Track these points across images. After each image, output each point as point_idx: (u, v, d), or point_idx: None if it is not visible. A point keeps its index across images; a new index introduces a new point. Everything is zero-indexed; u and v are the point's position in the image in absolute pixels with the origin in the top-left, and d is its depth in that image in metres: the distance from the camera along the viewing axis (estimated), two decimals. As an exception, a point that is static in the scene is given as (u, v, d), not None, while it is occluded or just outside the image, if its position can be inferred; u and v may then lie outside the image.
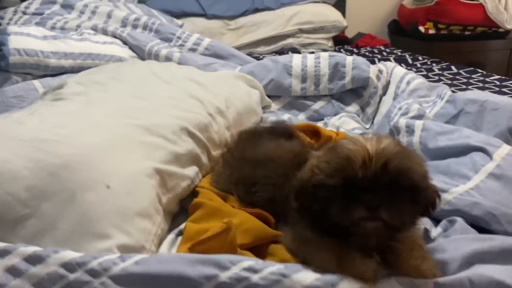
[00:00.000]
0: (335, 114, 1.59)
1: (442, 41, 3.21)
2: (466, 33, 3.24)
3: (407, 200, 0.76)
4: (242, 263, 0.70)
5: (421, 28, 3.27)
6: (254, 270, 0.70)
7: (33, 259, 0.71)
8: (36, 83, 1.42)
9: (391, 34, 3.64)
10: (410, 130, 1.21)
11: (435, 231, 0.90)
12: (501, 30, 3.22)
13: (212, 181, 1.06)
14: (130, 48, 1.70)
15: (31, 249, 0.72)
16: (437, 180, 0.97)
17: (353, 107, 1.61)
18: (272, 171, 0.93)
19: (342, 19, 3.01)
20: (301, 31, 2.87)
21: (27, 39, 1.44)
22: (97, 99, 1.10)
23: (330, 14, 2.98)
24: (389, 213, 0.74)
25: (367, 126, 1.55)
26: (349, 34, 3.26)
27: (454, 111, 1.25)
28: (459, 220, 0.88)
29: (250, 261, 0.72)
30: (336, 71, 1.62)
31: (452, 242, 0.82)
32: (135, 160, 0.90)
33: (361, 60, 1.63)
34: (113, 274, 0.69)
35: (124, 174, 0.85)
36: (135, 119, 1.01)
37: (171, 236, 0.89)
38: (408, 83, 1.52)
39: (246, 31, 2.84)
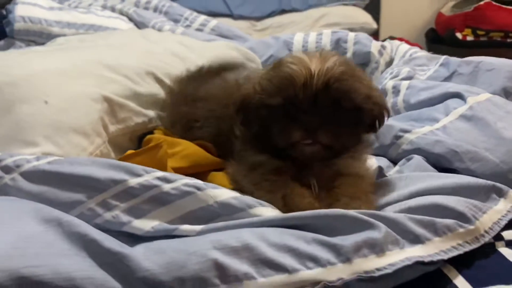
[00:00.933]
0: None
1: (481, 48, 3.04)
2: (508, 40, 3.06)
3: (349, 121, 0.72)
4: (156, 173, 0.67)
5: (459, 35, 3.13)
6: (167, 180, 0.66)
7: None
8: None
9: (428, 42, 3.52)
10: (396, 91, 1.14)
11: (392, 171, 0.82)
12: (547, 37, 3.02)
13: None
14: (136, 25, 1.74)
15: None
16: (401, 123, 0.90)
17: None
18: (215, 103, 0.90)
19: (371, 21, 2.94)
20: (328, 33, 2.82)
21: (33, 8, 1.52)
22: (72, 47, 1.13)
23: (359, 16, 2.92)
24: (328, 136, 0.71)
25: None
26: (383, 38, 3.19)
27: (447, 73, 1.16)
28: (416, 157, 0.80)
29: (166, 173, 0.68)
30: (338, 46, 1.56)
31: (403, 180, 0.74)
32: (83, 85, 0.90)
33: (363, 36, 1.57)
34: (24, 171, 0.67)
35: (66, 93, 0.86)
36: (99, 58, 1.02)
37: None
38: (411, 55, 1.44)
39: (273, 32, 2.83)
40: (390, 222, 0.59)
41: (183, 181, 0.66)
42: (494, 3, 3.00)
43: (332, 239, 0.57)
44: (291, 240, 0.57)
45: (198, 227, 0.62)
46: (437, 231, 0.60)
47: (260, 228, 0.60)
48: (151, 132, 0.98)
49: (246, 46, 1.63)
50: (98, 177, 0.65)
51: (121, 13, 1.76)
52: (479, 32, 3.06)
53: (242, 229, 0.60)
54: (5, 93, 0.82)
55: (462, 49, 3.07)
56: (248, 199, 0.66)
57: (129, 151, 0.81)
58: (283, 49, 1.60)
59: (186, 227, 0.62)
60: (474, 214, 0.63)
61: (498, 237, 0.65)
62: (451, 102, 0.92)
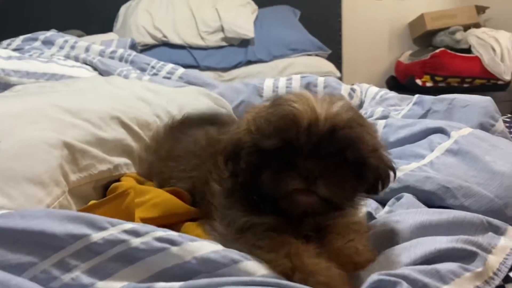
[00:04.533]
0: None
1: (441, 93, 3.14)
2: (465, 85, 3.19)
3: (351, 175, 0.64)
4: (123, 225, 0.58)
5: (419, 81, 3.24)
6: (136, 233, 0.57)
7: None
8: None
9: (389, 89, 3.61)
10: (372, 130, 1.11)
11: (382, 212, 0.77)
12: (500, 82, 3.15)
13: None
14: (100, 73, 1.68)
15: None
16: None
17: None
18: (186, 163, 0.83)
19: (335, 70, 3.00)
20: (293, 81, 2.85)
21: (-10, 58, 1.44)
22: (30, 93, 1.05)
23: (323, 66, 2.98)
24: (327, 187, 0.62)
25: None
26: (345, 87, 3.24)
27: (422, 111, 1.15)
28: (406, 195, 0.75)
29: (136, 224, 0.60)
30: (308, 90, 1.54)
31: (396, 216, 0.69)
32: (40, 130, 0.82)
33: (333, 79, 1.57)
34: None
35: (19, 138, 0.77)
36: (59, 102, 0.94)
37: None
38: (381, 96, 1.43)
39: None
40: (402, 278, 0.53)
41: (155, 234, 0.58)
42: (448, 51, 3.15)
43: None
44: None
45: (176, 285, 0.54)
46: (443, 278, 0.54)
47: (247, 286, 0.52)
48: (117, 181, 0.90)
49: (215, 92, 1.59)
50: (54, 232, 0.56)
51: (85, 62, 1.70)
52: (437, 78, 3.18)
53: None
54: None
55: (422, 94, 3.17)
56: (232, 252, 0.58)
57: (92, 202, 0.72)
58: (254, 94, 1.58)
59: (161, 285, 0.54)
60: (482, 254, 0.58)
61: (507, 279, 0.59)
62: (434, 137, 0.89)
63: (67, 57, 1.72)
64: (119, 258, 0.56)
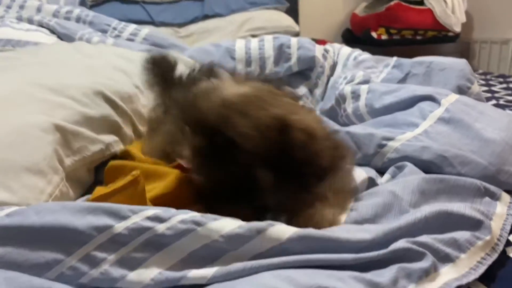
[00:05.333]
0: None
1: (395, 46, 3.22)
2: (418, 37, 3.27)
3: None
4: (145, 212, 0.57)
5: (374, 34, 3.28)
6: (159, 219, 0.56)
7: None
8: None
9: (345, 42, 3.65)
10: (355, 96, 1.12)
11: (382, 179, 0.79)
12: (450, 34, 3.26)
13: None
14: (59, 37, 1.57)
15: None
16: (382, 131, 0.88)
17: (301, 90, 1.51)
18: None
19: (294, 25, 2.97)
20: (253, 37, 2.80)
21: None
22: (12, 69, 0.96)
23: (282, 20, 2.94)
24: None
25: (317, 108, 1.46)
26: (303, 41, 3.23)
27: (401, 75, 1.18)
28: (409, 165, 0.78)
29: (156, 209, 0.58)
30: (282, 52, 1.53)
31: (400, 183, 0.71)
32: (28, 113, 0.76)
33: (306, 40, 1.55)
34: None
35: (11, 125, 0.72)
36: (38, 79, 0.87)
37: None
38: (355, 58, 1.45)
39: (198, 38, 2.74)
40: (423, 246, 0.56)
41: (179, 218, 0.57)
42: (403, 3, 3.19)
43: (367, 275, 0.52)
44: (325, 280, 0.50)
45: (209, 273, 0.54)
46: (461, 247, 0.58)
47: (282, 270, 0.53)
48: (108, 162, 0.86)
49: (186, 55, 1.54)
50: (75, 226, 0.54)
51: (41, 25, 1.57)
52: (392, 31, 3.23)
53: (263, 273, 0.53)
54: None
55: (377, 47, 3.22)
56: (255, 224, 0.58)
57: (98, 189, 0.69)
58: (225, 56, 1.54)
59: (194, 273, 0.54)
60: (487, 222, 0.62)
61: (507, 243, 0.64)
62: (424, 105, 0.92)
63: (19, 19, 1.58)
64: (146, 246, 0.55)
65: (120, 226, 0.55)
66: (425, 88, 0.99)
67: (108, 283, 0.53)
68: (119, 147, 0.92)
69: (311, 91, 1.53)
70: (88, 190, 0.83)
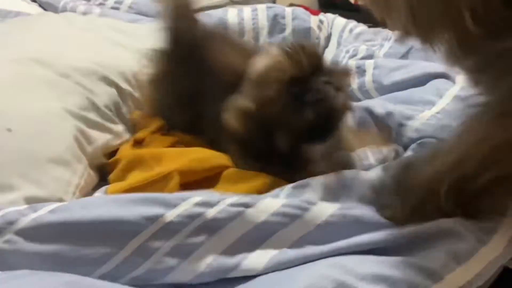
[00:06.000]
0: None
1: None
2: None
3: None
4: (192, 199, 0.56)
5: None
6: (209, 204, 0.55)
7: None
8: None
9: (321, 7, 3.60)
10: (361, 71, 1.12)
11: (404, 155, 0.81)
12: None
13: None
14: (40, 5, 1.48)
15: None
16: (401, 108, 0.88)
17: (296, 61, 1.50)
18: None
19: (273, -11, 2.90)
20: (233, 2, 2.72)
21: None
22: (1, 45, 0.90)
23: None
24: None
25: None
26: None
27: (403, 50, 1.18)
28: (431, 142, 0.79)
29: (202, 195, 0.57)
30: (276, 23, 1.49)
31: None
32: (41, 99, 0.72)
33: (301, 10, 1.52)
34: (22, 228, 0.51)
35: (29, 114, 0.68)
36: (40, 59, 0.82)
37: (98, 194, 0.72)
38: (351, 30, 1.43)
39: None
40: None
41: (227, 201, 0.56)
42: (380, -33, 3.17)
43: (415, 259, 0.53)
44: (380, 268, 0.51)
45: (260, 264, 0.54)
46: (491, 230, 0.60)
47: (334, 258, 0.54)
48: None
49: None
50: (126, 218, 0.53)
51: (19, -9, 1.46)
52: (369, -4, 3.22)
53: (317, 263, 0.53)
54: None
55: (354, 13, 3.21)
56: (297, 201, 0.58)
57: (126, 183, 0.67)
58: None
59: (246, 264, 0.54)
60: None
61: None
62: (439, 83, 0.92)
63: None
64: (199, 232, 0.54)
65: (171, 214, 0.54)
66: (435, 65, 0.99)
67: (163, 273, 0.52)
68: (126, 136, 0.88)
69: (306, 63, 1.51)
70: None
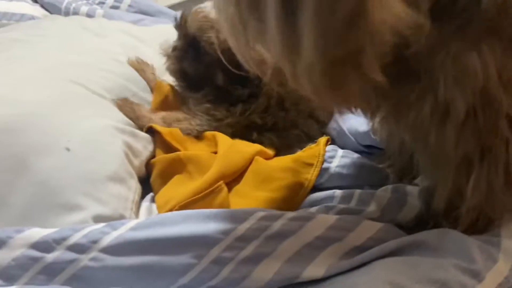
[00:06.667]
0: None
1: None
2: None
3: None
4: (257, 214, 0.61)
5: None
6: (272, 218, 0.61)
7: (-12, 245, 0.54)
8: None
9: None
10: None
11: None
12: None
13: None
14: (42, 6, 1.45)
15: (-21, 233, 0.55)
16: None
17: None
18: None
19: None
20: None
21: None
22: (21, 56, 0.90)
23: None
24: None
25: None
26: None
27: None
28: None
29: (266, 210, 0.63)
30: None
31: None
32: (91, 117, 0.74)
33: None
34: (106, 246, 0.55)
35: (84, 133, 0.69)
36: (74, 76, 0.83)
37: (146, 203, 0.75)
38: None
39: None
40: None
41: (289, 215, 0.62)
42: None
43: (459, 262, 0.59)
44: (433, 272, 0.57)
45: (320, 272, 0.59)
46: None
47: (385, 260, 0.59)
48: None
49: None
50: (203, 233, 0.58)
51: (22, -8, 1.44)
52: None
53: (373, 266, 0.59)
54: (4, 145, 0.63)
55: None
56: (350, 217, 0.65)
57: (166, 199, 0.70)
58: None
59: (309, 271, 0.59)
60: None
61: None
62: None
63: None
64: (266, 243, 0.59)
65: (241, 228, 0.59)
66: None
67: (237, 281, 0.57)
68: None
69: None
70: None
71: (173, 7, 1.83)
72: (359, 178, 0.82)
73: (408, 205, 0.74)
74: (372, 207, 0.73)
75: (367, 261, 0.60)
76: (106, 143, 0.71)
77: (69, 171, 0.64)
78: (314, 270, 0.59)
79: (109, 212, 0.64)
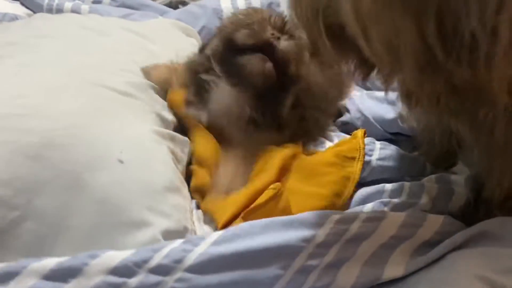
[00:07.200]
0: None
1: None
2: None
3: None
4: (332, 217, 0.60)
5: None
6: (348, 220, 0.60)
7: (62, 274, 0.49)
8: None
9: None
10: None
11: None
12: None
13: None
14: (23, 4, 1.35)
15: (50, 262, 0.50)
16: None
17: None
18: None
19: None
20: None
21: None
22: (32, 62, 0.82)
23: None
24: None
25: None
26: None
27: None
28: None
29: (338, 212, 0.62)
30: (272, 11, 1.49)
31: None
32: (131, 124, 0.69)
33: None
34: (191, 264, 0.52)
35: (132, 142, 0.65)
36: (99, 79, 0.78)
37: (196, 211, 0.72)
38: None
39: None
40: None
41: (363, 216, 0.61)
42: None
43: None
44: (509, 260, 0.58)
45: (400, 271, 0.59)
46: None
47: (460, 254, 0.60)
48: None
49: (173, 18, 1.44)
50: (286, 242, 0.56)
51: (-2, -10, 1.33)
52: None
53: (449, 260, 0.59)
54: (53, 162, 0.58)
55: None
56: (417, 212, 0.66)
57: (220, 207, 0.68)
58: (213, 18, 1.46)
59: (390, 270, 0.58)
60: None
61: None
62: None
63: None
64: (346, 247, 0.58)
65: (321, 234, 0.57)
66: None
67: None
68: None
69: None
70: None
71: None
72: (400, 169, 0.83)
73: (456, 194, 0.75)
74: (424, 199, 0.73)
75: (440, 255, 0.61)
76: (155, 150, 0.66)
77: (127, 185, 0.59)
78: (393, 269, 0.59)
79: (175, 226, 0.60)
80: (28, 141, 0.59)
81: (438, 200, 0.74)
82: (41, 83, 0.71)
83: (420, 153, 0.88)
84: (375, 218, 0.61)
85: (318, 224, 0.58)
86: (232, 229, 0.56)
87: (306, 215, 0.59)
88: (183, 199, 0.66)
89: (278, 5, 1.50)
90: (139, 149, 0.65)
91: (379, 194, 0.76)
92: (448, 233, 0.64)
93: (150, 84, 0.86)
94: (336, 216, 0.60)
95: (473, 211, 0.73)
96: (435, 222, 0.64)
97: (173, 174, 0.66)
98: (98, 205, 0.57)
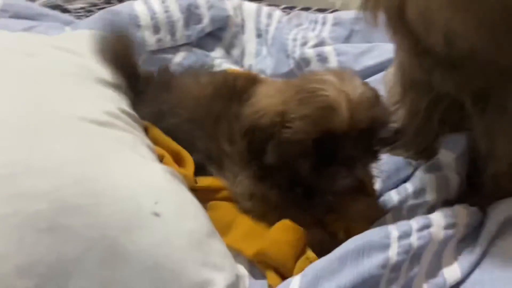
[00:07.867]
0: (202, 64, 1.39)
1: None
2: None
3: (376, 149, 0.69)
4: (392, 233, 0.59)
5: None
6: (407, 234, 0.59)
7: None
8: None
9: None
10: (322, 58, 1.18)
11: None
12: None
13: None
14: None
15: None
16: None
17: (218, 52, 1.44)
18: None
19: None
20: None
21: None
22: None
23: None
24: (365, 169, 0.69)
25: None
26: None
27: (346, 33, 1.28)
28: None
29: (393, 228, 0.60)
30: (191, 14, 1.39)
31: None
32: (142, 165, 0.58)
33: (214, -1, 1.46)
34: None
35: (157, 188, 0.54)
36: (69, 111, 0.64)
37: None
38: (270, 15, 1.45)
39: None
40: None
41: (415, 226, 0.61)
42: None
43: None
44: None
45: (457, 274, 0.60)
46: None
47: (504, 247, 0.63)
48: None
49: (80, 28, 1.27)
50: (369, 272, 0.54)
51: None
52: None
53: (499, 255, 0.61)
54: (78, 232, 0.45)
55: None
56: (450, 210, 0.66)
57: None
58: (130, 25, 1.32)
59: (449, 276, 0.60)
60: None
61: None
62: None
63: None
64: (412, 264, 0.58)
65: (392, 255, 0.56)
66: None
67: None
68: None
69: (227, 52, 1.48)
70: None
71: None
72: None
73: (451, 179, 0.77)
74: (431, 195, 0.75)
75: (484, 250, 0.63)
76: (179, 192, 0.57)
77: (175, 242, 0.49)
78: (451, 273, 0.60)
79: (231, 277, 0.52)
80: (35, 210, 0.45)
81: (440, 190, 0.75)
82: (8, 124, 0.55)
83: (400, 145, 0.90)
84: (425, 226, 0.61)
85: (384, 244, 0.57)
86: (309, 270, 0.51)
87: (368, 236, 0.57)
88: (219, 242, 0.57)
89: (197, 6, 1.43)
90: (167, 194, 0.54)
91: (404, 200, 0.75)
92: (472, 226, 0.67)
93: (118, 107, 0.74)
94: (395, 232, 0.59)
95: (469, 192, 0.77)
96: (462, 217, 0.66)
97: (203, 216, 0.57)
98: (149, 273, 0.46)
